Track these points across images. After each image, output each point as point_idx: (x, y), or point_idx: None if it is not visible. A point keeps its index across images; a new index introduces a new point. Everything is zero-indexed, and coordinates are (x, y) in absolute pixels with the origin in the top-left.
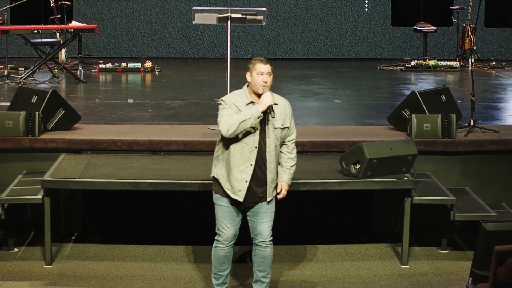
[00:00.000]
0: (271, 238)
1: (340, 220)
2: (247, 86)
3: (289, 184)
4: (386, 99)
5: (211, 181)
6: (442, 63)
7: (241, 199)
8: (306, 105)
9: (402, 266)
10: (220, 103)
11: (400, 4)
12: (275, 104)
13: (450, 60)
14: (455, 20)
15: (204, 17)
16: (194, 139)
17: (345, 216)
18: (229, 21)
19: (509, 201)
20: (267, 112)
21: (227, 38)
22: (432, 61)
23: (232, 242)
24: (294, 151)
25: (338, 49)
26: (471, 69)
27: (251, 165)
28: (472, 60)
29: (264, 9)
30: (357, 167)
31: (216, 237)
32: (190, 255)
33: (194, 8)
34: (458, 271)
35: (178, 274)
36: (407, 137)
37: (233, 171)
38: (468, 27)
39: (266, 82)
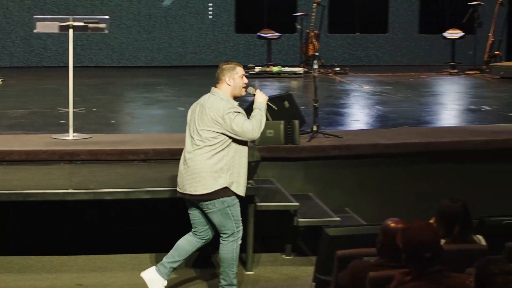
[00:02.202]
0: None
1: (184, 228)
2: (217, 91)
3: None
4: None
5: (56, 191)
6: (286, 69)
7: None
8: (149, 113)
9: (247, 272)
10: (230, 112)
11: (244, 11)
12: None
13: (294, 66)
14: (299, 27)
15: (46, 26)
16: (37, 149)
17: (188, 223)
18: (71, 30)
19: (352, 206)
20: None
21: (69, 46)
22: (276, 67)
23: None
24: None
25: (182, 57)
26: (314, 75)
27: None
28: (316, 66)
29: (107, 17)
30: None
31: (233, 237)
32: (33, 266)
33: (35, 16)
34: (302, 276)
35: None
36: (250, 143)
37: (244, 172)
38: (312, 34)
39: (246, 83)
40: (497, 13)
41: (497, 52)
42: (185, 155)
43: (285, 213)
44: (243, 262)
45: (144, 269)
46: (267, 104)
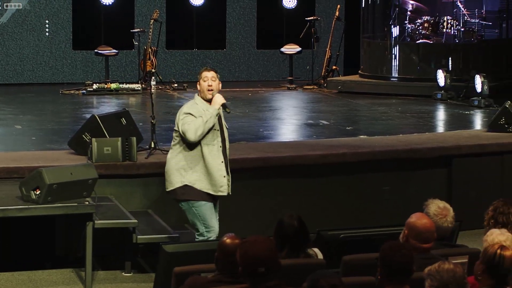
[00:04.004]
0: None
1: (23, 247)
2: (196, 95)
3: None
4: (67, 123)
5: None
6: (124, 86)
7: (225, 193)
8: None
9: None
10: (184, 113)
11: (81, 28)
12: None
13: (132, 83)
14: (136, 43)
15: None
16: None
17: (28, 242)
18: None
19: None
20: (224, 110)
21: None
22: (114, 84)
23: None
24: None
25: (20, 74)
26: (151, 91)
27: (222, 162)
28: (154, 83)
29: None
30: (37, 192)
31: (202, 237)
32: None
33: None
34: None
35: None
36: (88, 161)
37: (212, 172)
38: (149, 50)
39: (211, 86)
40: (334, 28)
41: (335, 67)
42: None
43: (124, 230)
44: (82, 280)
45: None
46: (223, 107)
